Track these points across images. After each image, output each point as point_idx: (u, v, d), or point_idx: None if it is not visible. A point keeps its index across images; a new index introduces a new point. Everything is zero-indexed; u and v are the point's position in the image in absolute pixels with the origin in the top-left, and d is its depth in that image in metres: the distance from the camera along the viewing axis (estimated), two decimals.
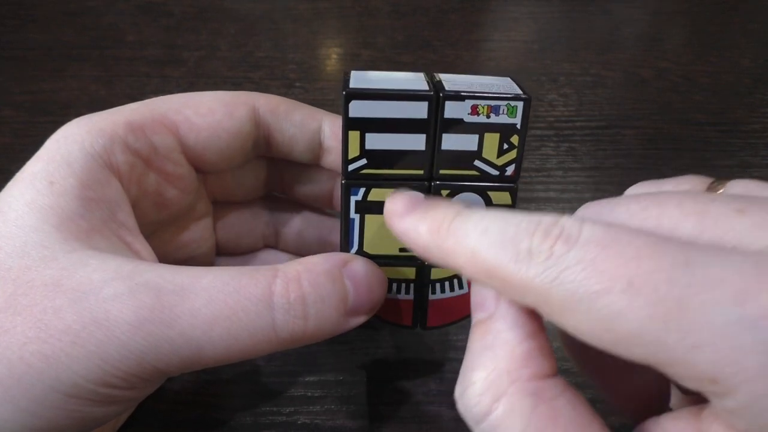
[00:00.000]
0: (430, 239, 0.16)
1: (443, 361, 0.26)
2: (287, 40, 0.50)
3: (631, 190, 0.18)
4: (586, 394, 0.15)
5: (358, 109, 0.18)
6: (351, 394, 0.25)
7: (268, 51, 0.49)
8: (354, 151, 0.19)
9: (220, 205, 0.25)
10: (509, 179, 0.19)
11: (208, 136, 0.21)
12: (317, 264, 0.18)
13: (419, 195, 0.17)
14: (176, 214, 0.22)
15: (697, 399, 0.13)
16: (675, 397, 0.18)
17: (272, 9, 0.54)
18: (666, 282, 0.12)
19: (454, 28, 0.52)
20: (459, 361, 0.27)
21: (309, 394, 0.25)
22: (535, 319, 0.15)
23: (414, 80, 0.19)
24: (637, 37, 0.53)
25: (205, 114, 0.21)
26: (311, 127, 0.22)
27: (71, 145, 0.18)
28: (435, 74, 0.20)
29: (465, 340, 0.28)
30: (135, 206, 0.20)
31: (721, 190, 0.16)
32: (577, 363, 0.18)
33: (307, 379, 0.26)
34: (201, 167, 0.22)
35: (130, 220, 0.19)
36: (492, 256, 0.14)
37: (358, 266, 0.19)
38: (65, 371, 0.16)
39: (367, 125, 0.18)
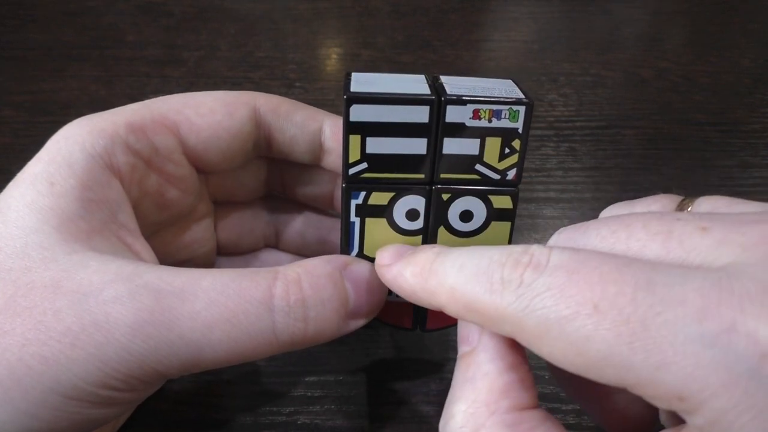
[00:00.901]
0: (414, 282, 0.17)
1: (443, 361, 0.26)
2: (287, 40, 0.50)
3: (605, 213, 0.19)
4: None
5: (359, 113, 0.18)
6: (351, 394, 0.25)
7: (268, 51, 0.49)
8: (355, 154, 0.19)
9: (221, 206, 0.25)
10: (511, 183, 0.19)
11: (209, 136, 0.21)
12: (318, 266, 0.18)
13: (406, 246, 0.18)
14: (177, 214, 0.22)
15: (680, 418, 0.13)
16: (663, 414, 0.18)
17: (272, 9, 0.54)
18: (630, 304, 0.12)
19: (454, 28, 0.52)
20: None
21: (309, 394, 0.25)
22: (517, 351, 0.16)
23: (415, 83, 0.19)
24: (637, 37, 0.53)
25: (206, 114, 0.21)
26: (312, 128, 0.22)
27: (72, 146, 0.18)
28: (437, 76, 0.20)
29: None
30: (136, 207, 0.20)
31: (689, 208, 0.17)
32: (563, 387, 0.19)
33: (307, 379, 0.26)
34: (202, 168, 0.22)
35: (131, 222, 0.19)
36: (469, 290, 0.15)
37: (359, 269, 0.19)
38: (65, 373, 0.16)
39: (368, 129, 0.18)
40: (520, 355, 0.16)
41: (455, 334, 0.27)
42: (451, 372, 0.26)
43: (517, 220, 0.34)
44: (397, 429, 0.24)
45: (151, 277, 0.17)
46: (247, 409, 0.25)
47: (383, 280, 0.18)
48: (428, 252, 0.17)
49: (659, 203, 0.18)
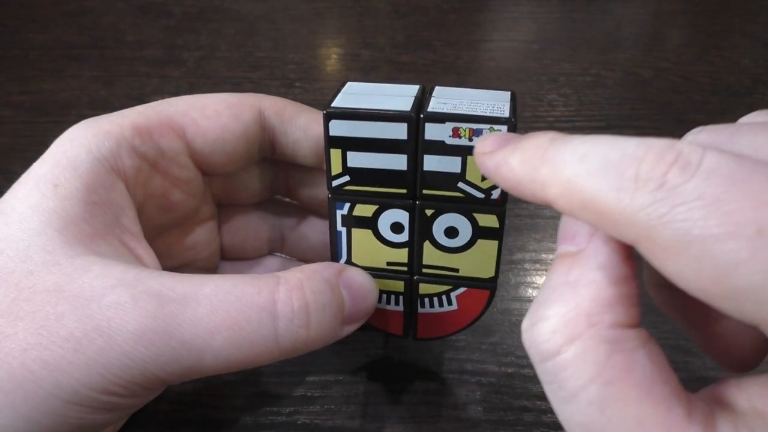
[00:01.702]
0: (521, 171, 0.14)
1: (443, 361, 0.26)
2: (287, 40, 0.50)
3: (747, 119, 0.15)
4: None
5: (339, 128, 0.18)
6: (351, 394, 0.25)
7: (268, 51, 0.49)
8: (336, 167, 0.19)
9: (225, 209, 0.25)
10: (495, 203, 0.19)
11: (214, 138, 0.21)
12: (317, 272, 0.18)
13: (512, 134, 0.16)
14: (181, 217, 0.22)
15: None
16: None
17: (272, 9, 0.54)
18: None
19: (454, 28, 0.52)
20: (459, 361, 0.27)
21: (309, 394, 0.25)
22: (629, 264, 0.13)
23: (403, 96, 0.19)
24: (637, 37, 0.53)
25: (212, 117, 0.21)
26: (315, 131, 0.22)
27: (78, 148, 0.18)
28: (431, 87, 0.19)
29: (465, 341, 0.28)
30: (140, 210, 0.20)
31: None
32: (662, 306, 0.16)
33: (307, 379, 0.26)
34: (207, 170, 0.22)
35: (134, 225, 0.19)
36: (590, 184, 0.12)
37: (354, 275, 0.19)
38: (66, 378, 0.16)
39: (348, 144, 0.18)
40: (632, 268, 0.13)
41: (455, 339, 0.27)
42: (452, 372, 0.26)
43: (517, 220, 0.34)
44: (397, 429, 0.24)
45: (154, 283, 0.17)
46: (247, 409, 0.25)
47: (483, 170, 0.16)
48: (541, 138, 0.14)
49: None
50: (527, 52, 0.49)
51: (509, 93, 0.19)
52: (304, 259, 0.26)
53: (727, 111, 0.43)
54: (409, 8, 0.55)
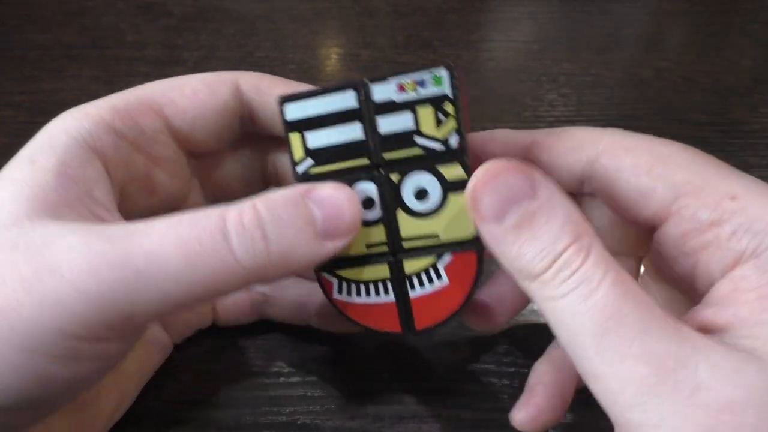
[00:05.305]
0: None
1: (443, 360, 0.26)
2: (287, 40, 0.50)
3: None
4: None
5: (294, 111, 0.19)
6: (351, 394, 0.25)
7: (268, 51, 0.49)
8: (298, 152, 0.20)
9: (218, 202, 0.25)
10: (456, 151, 0.19)
11: (193, 115, 0.21)
12: (274, 193, 0.18)
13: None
14: (167, 201, 0.22)
15: None
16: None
17: (272, 9, 0.54)
18: None
19: (454, 28, 0.52)
20: (459, 361, 0.27)
21: (309, 394, 0.25)
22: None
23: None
24: (637, 37, 0.53)
25: (189, 95, 0.21)
26: None
27: (57, 130, 0.19)
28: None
29: (465, 341, 0.28)
30: (124, 190, 0.20)
31: None
32: None
33: (307, 379, 0.26)
34: (191, 149, 0.22)
35: (108, 199, 0.19)
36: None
37: (323, 189, 0.19)
38: (19, 321, 0.16)
39: (305, 125, 0.19)
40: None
41: (454, 334, 0.27)
42: (452, 372, 0.26)
43: None
44: (397, 429, 0.24)
45: (106, 227, 0.17)
46: (247, 408, 0.25)
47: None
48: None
49: None
50: (527, 52, 0.49)
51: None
52: None
53: (727, 111, 0.43)
54: (409, 8, 0.55)
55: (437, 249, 0.20)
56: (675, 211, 0.18)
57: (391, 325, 0.22)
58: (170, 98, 0.21)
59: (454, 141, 0.19)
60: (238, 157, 0.24)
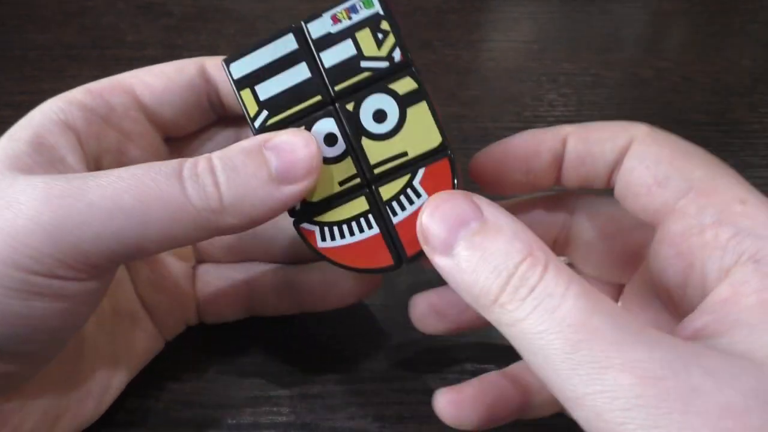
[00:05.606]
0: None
1: (443, 361, 0.26)
2: None
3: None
4: None
5: (239, 68, 0.20)
6: (351, 394, 0.25)
7: None
8: (252, 107, 0.20)
9: None
10: (402, 65, 0.20)
11: (162, 91, 0.22)
12: (232, 146, 0.19)
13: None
14: None
15: None
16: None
17: (272, 9, 0.54)
18: None
19: (454, 28, 0.52)
20: (459, 361, 0.27)
21: (309, 393, 0.25)
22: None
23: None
24: (637, 37, 0.53)
25: (158, 74, 0.22)
26: None
27: (34, 111, 0.21)
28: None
29: (465, 341, 0.28)
30: (99, 162, 0.21)
31: None
32: None
33: (306, 379, 0.26)
34: (163, 126, 0.23)
35: (80, 166, 0.20)
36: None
37: (278, 136, 0.19)
38: None
39: (253, 79, 0.20)
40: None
41: (455, 339, 0.27)
42: (452, 372, 0.26)
43: None
44: (397, 429, 0.24)
45: (70, 174, 0.18)
46: (247, 408, 0.25)
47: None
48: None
49: None
50: (527, 52, 0.49)
51: None
52: (288, 249, 0.26)
53: (726, 111, 0.43)
54: (409, 8, 0.55)
55: (409, 167, 0.20)
56: (679, 208, 0.18)
57: (383, 259, 0.21)
58: (140, 78, 0.22)
59: (397, 55, 0.20)
60: (216, 141, 0.25)
